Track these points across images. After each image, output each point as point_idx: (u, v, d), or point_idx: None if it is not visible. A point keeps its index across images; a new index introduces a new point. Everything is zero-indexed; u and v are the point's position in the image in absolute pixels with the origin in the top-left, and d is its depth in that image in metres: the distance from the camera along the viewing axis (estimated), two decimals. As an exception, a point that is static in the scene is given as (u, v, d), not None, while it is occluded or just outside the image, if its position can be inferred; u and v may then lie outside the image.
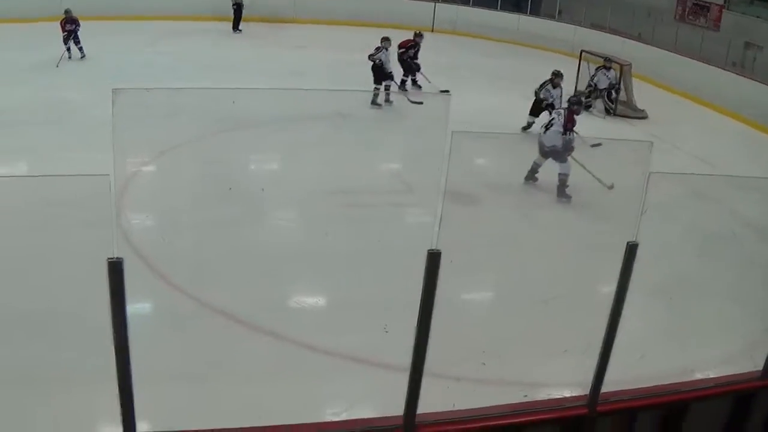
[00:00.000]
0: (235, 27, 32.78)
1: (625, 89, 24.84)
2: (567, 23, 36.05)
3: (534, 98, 20.55)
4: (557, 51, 32.21)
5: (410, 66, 23.59)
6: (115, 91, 6.18)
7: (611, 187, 14.81)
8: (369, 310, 10.30)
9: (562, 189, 15.51)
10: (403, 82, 23.34)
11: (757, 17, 31.37)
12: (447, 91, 22.43)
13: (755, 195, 14.85)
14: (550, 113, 17.52)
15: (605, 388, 7.62)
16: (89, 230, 6.70)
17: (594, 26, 34.98)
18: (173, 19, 31.86)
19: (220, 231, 12.22)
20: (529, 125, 20.20)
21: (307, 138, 16.57)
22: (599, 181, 14.94)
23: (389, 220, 13.66)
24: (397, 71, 22.68)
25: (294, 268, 11.50)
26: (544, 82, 20.55)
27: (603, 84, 24.10)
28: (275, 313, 10.18)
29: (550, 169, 15.58)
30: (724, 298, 11.97)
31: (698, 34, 31.62)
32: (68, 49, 24.42)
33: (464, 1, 38.33)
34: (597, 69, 23.76)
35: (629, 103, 24.79)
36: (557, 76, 20.57)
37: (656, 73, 29.68)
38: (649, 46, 31.53)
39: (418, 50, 23.81)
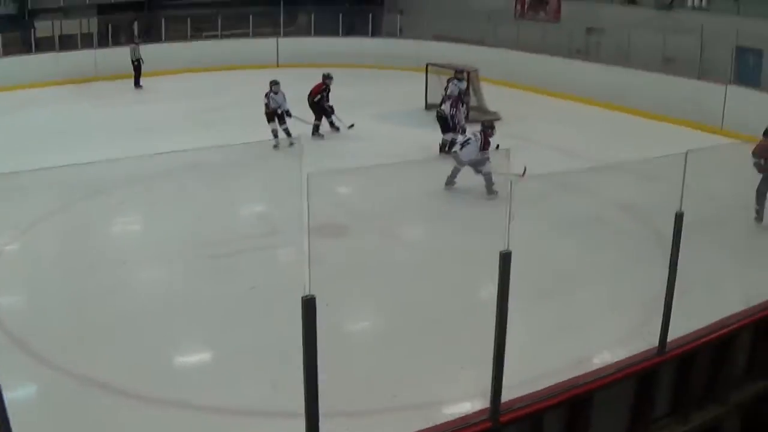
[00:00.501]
0: (137, 83, 32.80)
1: (475, 94, 25.11)
2: (410, 39, 36.29)
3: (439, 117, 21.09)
4: (404, 68, 32.37)
5: (324, 109, 23.45)
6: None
7: (524, 174, 14.86)
8: (254, 360, 10.09)
9: (489, 187, 16.05)
10: (316, 127, 23.16)
11: (596, 1, 32.06)
12: (352, 125, 23.10)
13: (619, 177, 15.10)
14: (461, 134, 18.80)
15: (507, 396, 7.59)
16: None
17: (437, 38, 35.31)
18: (15, 88, 31.04)
19: (92, 302, 11.85)
20: (446, 144, 20.35)
21: (167, 194, 16.32)
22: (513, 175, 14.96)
23: (259, 265, 13.45)
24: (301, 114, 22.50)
25: (172, 328, 11.22)
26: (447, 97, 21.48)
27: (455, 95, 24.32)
28: (159, 379, 9.90)
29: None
30: (606, 283, 12.13)
31: (540, 29, 32.20)
32: None
33: (306, 33, 38.40)
34: (448, 81, 23.93)
35: (481, 107, 25.12)
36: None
37: (504, 73, 30.19)
38: (493, 48, 32.15)
39: (329, 92, 23.62)
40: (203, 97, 28.84)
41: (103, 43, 37.03)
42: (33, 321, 11.42)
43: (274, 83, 21.93)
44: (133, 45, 33.46)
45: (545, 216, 14.11)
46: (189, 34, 38.21)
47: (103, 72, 33.61)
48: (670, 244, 8.83)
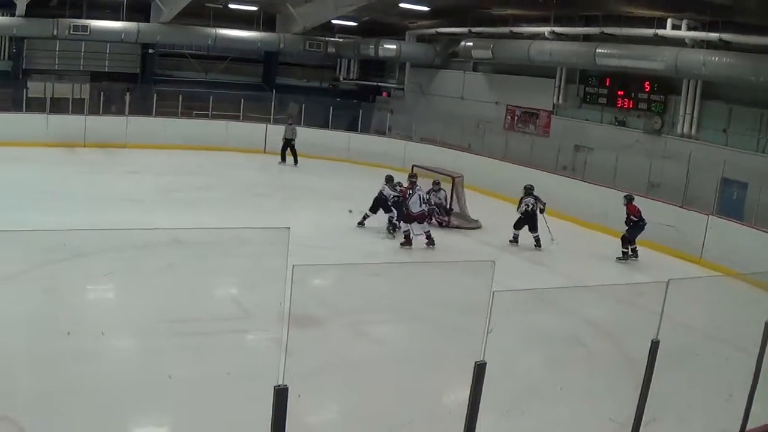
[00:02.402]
0: (285, 159, 34.82)
1: (458, 200, 25.21)
2: (397, 138, 36.58)
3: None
4: (388, 167, 32.58)
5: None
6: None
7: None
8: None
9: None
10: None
11: (586, 120, 32.53)
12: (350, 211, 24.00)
13: (599, 299, 15.11)
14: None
15: None
16: None
17: (425, 140, 35.66)
18: (3, 145, 31.03)
19: (58, 367, 11.69)
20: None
21: (144, 267, 16.22)
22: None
23: (232, 348, 13.35)
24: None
25: (139, 403, 11.07)
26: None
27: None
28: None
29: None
30: (575, 403, 12.04)
31: (528, 141, 32.54)
32: None
33: (295, 122, 38.71)
34: (428, 192, 23.99)
35: (463, 214, 25.19)
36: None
37: (488, 182, 30.38)
38: (480, 157, 32.45)
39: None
40: (189, 174, 28.94)
41: (93, 110, 37.08)
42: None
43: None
44: (289, 125, 35.70)
45: (521, 329, 14.07)
46: (180, 110, 38.35)
47: (92, 139, 33.83)
48: (643, 369, 8.81)
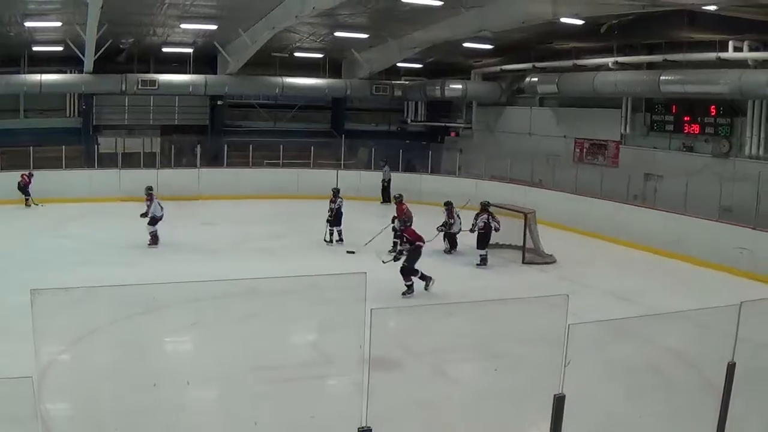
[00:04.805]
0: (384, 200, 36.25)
1: (531, 236, 25.19)
2: (468, 178, 36.64)
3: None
4: (459, 207, 32.72)
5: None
6: (33, 292, 6.16)
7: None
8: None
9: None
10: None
11: (654, 148, 32.36)
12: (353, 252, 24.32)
13: (674, 325, 15.05)
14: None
15: None
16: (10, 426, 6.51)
17: (494, 177, 35.69)
18: (77, 201, 31.81)
19: (143, 419, 11.92)
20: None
21: (222, 318, 16.45)
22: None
23: (314, 393, 13.49)
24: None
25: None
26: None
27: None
28: None
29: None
30: (656, 429, 12.00)
31: (598, 173, 32.39)
32: None
33: (365, 166, 38.91)
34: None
35: (537, 250, 25.13)
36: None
37: (560, 216, 30.37)
38: (550, 191, 32.30)
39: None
40: (262, 223, 29.27)
41: (165, 163, 37.71)
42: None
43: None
44: (385, 168, 37.60)
45: (598, 361, 14.06)
46: (251, 160, 38.75)
47: (164, 192, 34.18)
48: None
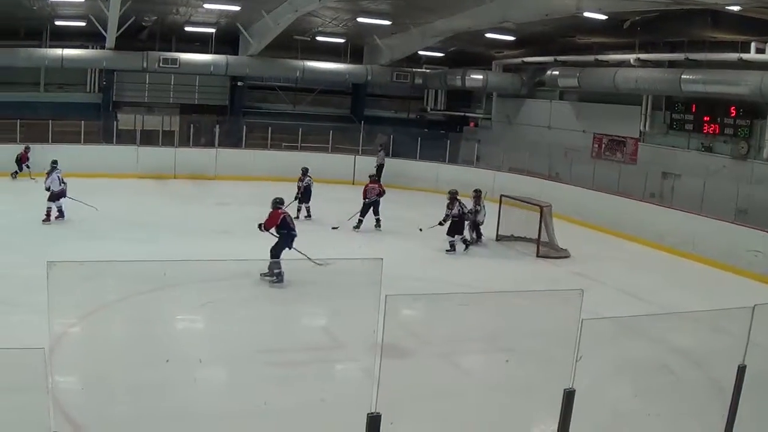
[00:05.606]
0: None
1: (546, 230, 25.14)
2: (486, 169, 36.54)
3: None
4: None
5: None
6: (49, 264, 6.19)
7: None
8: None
9: None
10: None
11: (673, 147, 32.25)
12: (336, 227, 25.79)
13: (686, 325, 15.03)
14: None
15: None
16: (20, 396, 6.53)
17: (512, 170, 35.62)
18: (94, 176, 31.95)
19: (153, 395, 11.95)
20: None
21: (234, 298, 16.47)
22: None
23: (324, 377, 13.53)
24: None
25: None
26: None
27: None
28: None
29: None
30: (663, 427, 11.99)
31: (616, 169, 32.30)
32: None
33: (386, 153, 38.84)
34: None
35: (551, 244, 25.08)
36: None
37: (576, 211, 30.29)
38: (567, 185, 32.26)
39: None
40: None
41: (183, 142, 37.94)
42: (93, 406, 11.52)
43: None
44: (379, 152, 37.87)
45: (608, 357, 14.05)
46: (269, 142, 38.84)
47: (182, 170, 34.41)
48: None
